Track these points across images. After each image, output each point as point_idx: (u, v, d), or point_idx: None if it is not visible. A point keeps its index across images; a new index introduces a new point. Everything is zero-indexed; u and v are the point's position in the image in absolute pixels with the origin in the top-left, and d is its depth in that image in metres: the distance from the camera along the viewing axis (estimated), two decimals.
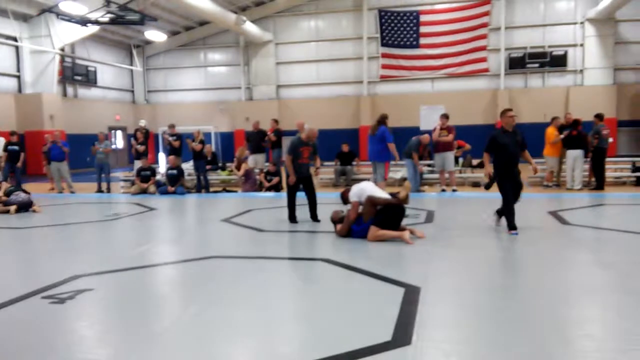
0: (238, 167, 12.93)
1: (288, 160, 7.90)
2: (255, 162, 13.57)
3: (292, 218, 8.09)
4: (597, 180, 11.73)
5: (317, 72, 25.09)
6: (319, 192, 8.38)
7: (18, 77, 20.20)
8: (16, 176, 13.72)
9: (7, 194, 10.16)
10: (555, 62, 22.50)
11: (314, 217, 8.01)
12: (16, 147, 13.99)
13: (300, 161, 7.95)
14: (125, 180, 15.04)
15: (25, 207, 9.97)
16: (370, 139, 10.44)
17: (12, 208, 9.76)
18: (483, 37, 22.84)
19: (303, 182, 8.13)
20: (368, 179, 12.56)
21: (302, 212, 8.28)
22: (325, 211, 7.88)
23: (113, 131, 25.46)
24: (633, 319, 3.75)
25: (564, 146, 11.89)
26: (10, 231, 8.35)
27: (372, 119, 23.68)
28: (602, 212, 9.07)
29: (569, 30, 22.48)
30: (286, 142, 13.67)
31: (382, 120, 10.39)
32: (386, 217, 6.51)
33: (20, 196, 10.06)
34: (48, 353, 3.38)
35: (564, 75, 22.77)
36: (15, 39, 19.65)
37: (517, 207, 6.92)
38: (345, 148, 14.22)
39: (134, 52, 26.44)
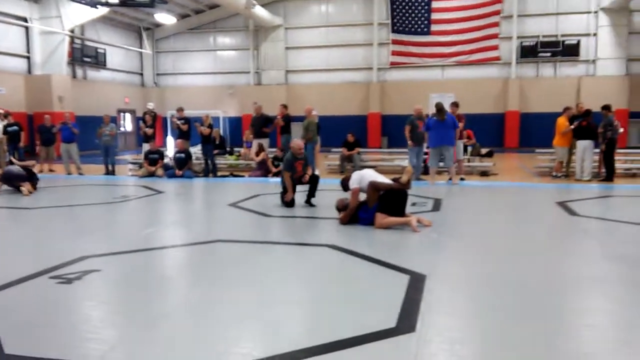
0: (257, 154, 13.05)
1: (286, 177, 8.10)
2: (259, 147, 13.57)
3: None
4: (607, 172, 11.64)
5: (327, 57, 24.95)
6: (326, 179, 8.38)
7: (28, 57, 20.22)
8: (20, 157, 13.66)
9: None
10: (567, 51, 22.26)
11: (309, 201, 8.20)
12: (16, 128, 13.98)
13: (295, 176, 8.18)
14: (133, 163, 15.09)
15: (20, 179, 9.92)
16: (436, 124, 10.78)
17: (26, 189, 9.72)
18: (495, 24, 22.59)
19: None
20: (374, 167, 12.59)
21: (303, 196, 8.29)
22: (330, 197, 7.89)
23: (122, 114, 25.52)
24: (638, 310, 3.74)
25: (574, 136, 11.81)
26: (19, 211, 8.42)
27: (381, 106, 23.80)
28: (611, 203, 9.00)
29: (582, 19, 22.21)
30: (295, 128, 13.72)
31: (443, 107, 10.84)
32: (390, 202, 6.49)
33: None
34: (55, 332, 3.41)
35: (576, 64, 22.53)
36: (25, 20, 19.65)
37: (523, 197, 6.82)
38: (350, 138, 14.22)
39: (144, 34, 26.39)
